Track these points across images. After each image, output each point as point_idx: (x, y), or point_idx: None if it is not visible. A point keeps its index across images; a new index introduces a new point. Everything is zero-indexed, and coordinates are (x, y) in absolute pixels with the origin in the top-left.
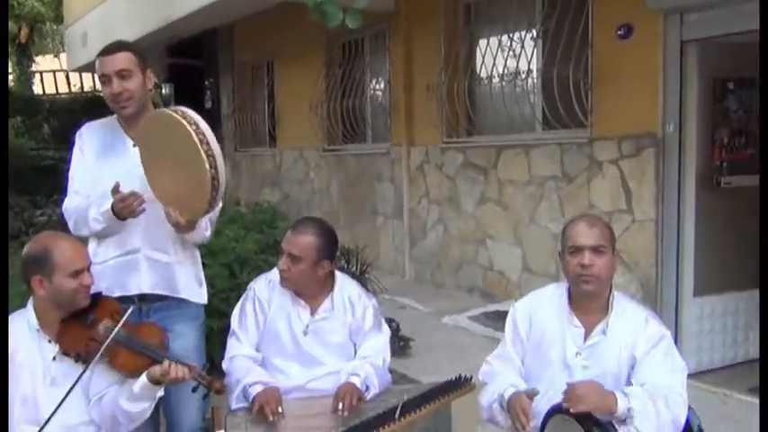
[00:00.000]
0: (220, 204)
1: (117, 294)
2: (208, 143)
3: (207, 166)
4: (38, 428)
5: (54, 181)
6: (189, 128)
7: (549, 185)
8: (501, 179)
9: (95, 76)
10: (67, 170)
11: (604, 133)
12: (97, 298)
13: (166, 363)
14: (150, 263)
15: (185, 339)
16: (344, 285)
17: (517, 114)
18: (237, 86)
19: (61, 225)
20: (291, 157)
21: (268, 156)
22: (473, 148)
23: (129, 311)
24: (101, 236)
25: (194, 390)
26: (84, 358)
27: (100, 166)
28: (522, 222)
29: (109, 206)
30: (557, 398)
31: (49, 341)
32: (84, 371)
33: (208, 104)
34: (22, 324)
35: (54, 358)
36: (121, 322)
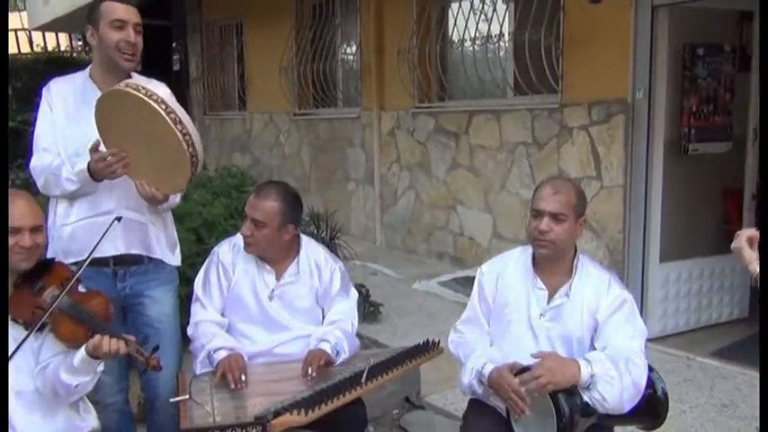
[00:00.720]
0: None
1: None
2: (181, 122)
3: (185, 146)
4: None
5: (17, 144)
6: (158, 108)
7: (519, 151)
8: (472, 145)
9: (58, 35)
10: (32, 131)
11: (575, 99)
12: (49, 264)
13: (98, 336)
14: (126, 223)
15: (163, 305)
16: (310, 249)
17: (489, 79)
18: (206, 48)
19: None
20: (262, 121)
21: (238, 120)
22: (444, 114)
23: (74, 279)
24: (72, 197)
25: (130, 366)
26: (30, 325)
27: (71, 123)
28: (492, 188)
29: (84, 166)
30: (521, 359)
31: None
32: (23, 339)
33: (176, 67)
34: None
35: None
36: (66, 290)
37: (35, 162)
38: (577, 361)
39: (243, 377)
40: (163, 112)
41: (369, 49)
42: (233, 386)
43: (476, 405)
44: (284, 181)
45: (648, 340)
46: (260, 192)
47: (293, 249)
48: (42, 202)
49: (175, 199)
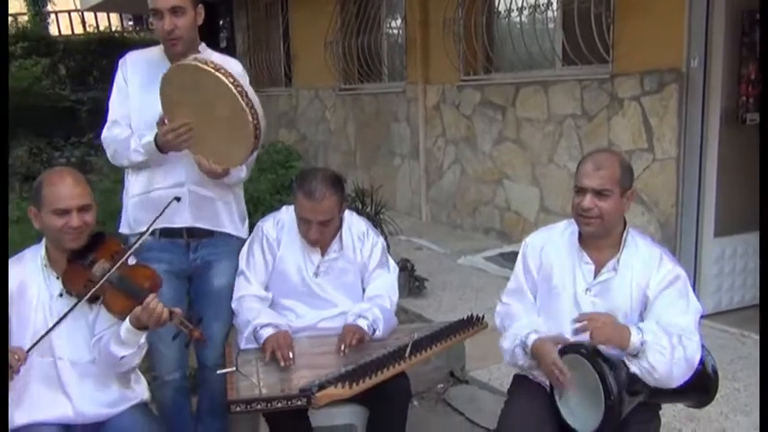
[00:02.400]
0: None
1: (162, 226)
2: (247, 94)
3: (249, 117)
4: (49, 359)
5: (72, 123)
6: (226, 81)
7: (568, 124)
8: (519, 117)
9: (110, 15)
10: (88, 109)
11: (626, 69)
12: (101, 239)
13: (139, 307)
14: (194, 197)
15: (226, 277)
16: (353, 223)
17: (536, 50)
18: (252, 25)
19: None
20: (307, 96)
21: (284, 96)
22: (491, 86)
23: (127, 255)
24: (140, 168)
25: (175, 337)
26: (82, 298)
27: (144, 95)
28: (540, 162)
29: (152, 138)
30: (565, 335)
31: (57, 277)
32: (68, 311)
33: (222, 44)
34: (35, 258)
35: (61, 294)
36: (117, 265)
37: (106, 133)
38: (629, 327)
39: (291, 354)
40: (230, 84)
41: (414, 22)
42: (283, 364)
43: (520, 381)
44: (321, 168)
45: (701, 317)
46: (312, 194)
47: (338, 228)
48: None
49: (241, 173)
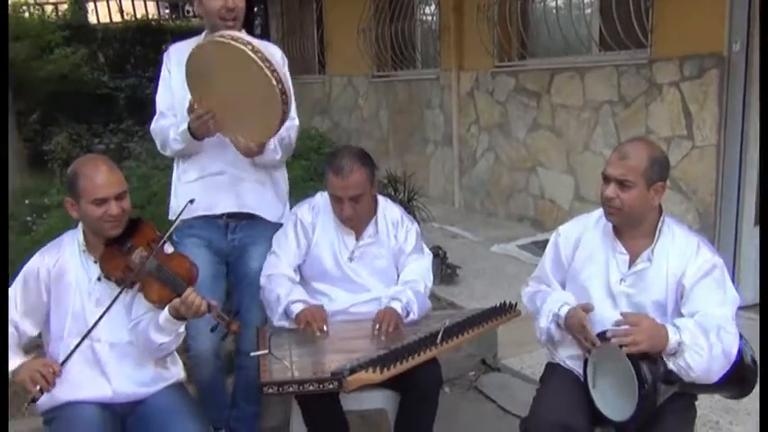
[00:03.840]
0: (295, 123)
1: (201, 213)
2: (268, 60)
3: (274, 82)
4: (87, 342)
5: (110, 110)
6: (245, 49)
7: (604, 110)
8: (554, 104)
9: (147, 3)
10: (126, 96)
11: (665, 54)
12: (137, 224)
13: (178, 299)
14: (236, 183)
15: (262, 260)
16: (387, 209)
17: (572, 36)
18: (286, 12)
19: (119, 153)
20: (340, 84)
21: (317, 83)
22: (525, 72)
23: (161, 243)
24: (184, 156)
25: (213, 329)
26: (121, 283)
27: (185, 86)
28: (575, 149)
29: (186, 126)
30: (599, 326)
31: (95, 261)
32: (114, 299)
33: (257, 31)
34: (73, 243)
35: (99, 279)
36: (153, 253)
37: (153, 125)
38: (666, 327)
39: (325, 327)
40: (249, 51)
41: (447, 8)
42: (318, 334)
43: (553, 368)
44: (347, 145)
45: (740, 308)
46: (340, 170)
47: (371, 210)
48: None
49: (276, 156)
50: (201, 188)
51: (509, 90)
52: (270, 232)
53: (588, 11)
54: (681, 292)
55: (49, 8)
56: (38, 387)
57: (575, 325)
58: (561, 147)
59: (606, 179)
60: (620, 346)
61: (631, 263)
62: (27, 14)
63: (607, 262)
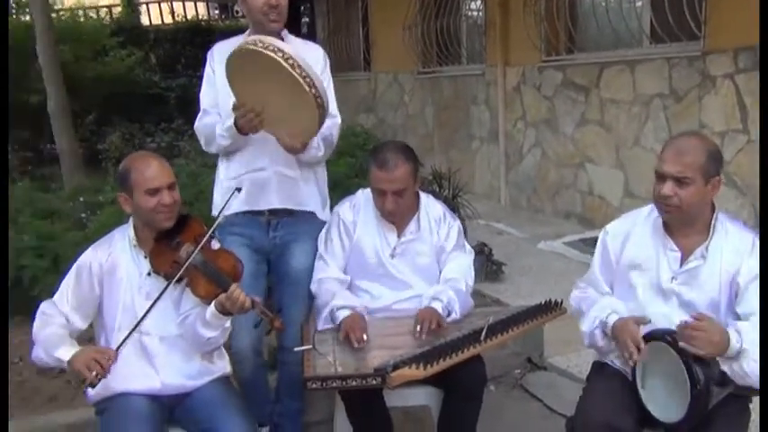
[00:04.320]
0: (337, 121)
1: (246, 209)
2: (299, 65)
3: (306, 88)
4: (136, 335)
5: (162, 110)
6: (276, 56)
7: (655, 104)
8: (603, 99)
9: (197, 4)
10: (176, 96)
11: (719, 45)
12: (186, 220)
13: (224, 295)
14: (279, 178)
15: (306, 258)
16: (429, 205)
17: (622, 28)
18: (332, 10)
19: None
20: (386, 81)
21: (363, 80)
22: (573, 67)
23: (205, 239)
24: (228, 153)
25: (256, 326)
26: (169, 278)
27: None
28: (625, 144)
29: (232, 122)
30: (648, 327)
31: (145, 257)
32: (161, 293)
33: (303, 29)
34: (124, 239)
35: (149, 273)
36: (199, 246)
37: (197, 123)
38: (728, 331)
39: (365, 337)
40: (280, 59)
41: (493, 3)
42: (356, 345)
43: (600, 367)
44: (391, 140)
45: None
46: (385, 164)
47: (414, 206)
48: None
49: (318, 152)
50: (244, 184)
51: (556, 85)
52: (311, 229)
53: (639, 3)
54: (735, 290)
55: (103, 11)
56: (94, 373)
57: (622, 336)
58: (610, 142)
59: (662, 177)
60: (673, 347)
61: (683, 260)
62: (83, 18)
63: (658, 259)
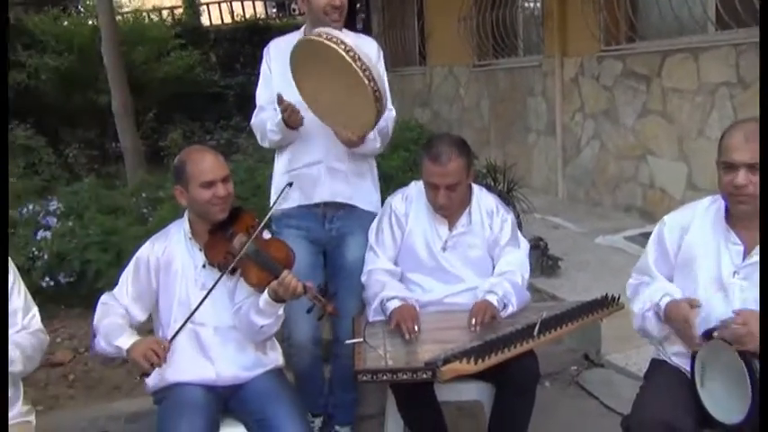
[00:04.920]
0: (392, 114)
1: (299, 203)
2: (360, 58)
3: (365, 81)
4: (190, 326)
5: (222, 107)
6: (338, 48)
7: (721, 93)
8: (665, 88)
9: (255, 3)
10: (235, 94)
11: None
12: (238, 213)
13: (276, 282)
14: (332, 173)
15: (360, 251)
16: (482, 198)
17: (686, 15)
18: (387, 5)
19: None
20: (441, 74)
21: (418, 75)
22: (634, 56)
23: (258, 229)
24: (283, 149)
25: (309, 311)
26: (223, 268)
27: (284, 79)
28: (688, 135)
29: (281, 117)
30: (707, 322)
31: (200, 249)
32: (215, 283)
33: (359, 25)
34: (179, 232)
35: (204, 266)
36: (252, 237)
37: (253, 119)
38: None
39: (416, 327)
40: (341, 51)
41: None
42: (407, 337)
43: (658, 365)
44: (445, 133)
45: None
46: (438, 158)
47: (466, 199)
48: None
49: (376, 144)
50: (299, 178)
51: (616, 75)
52: (366, 221)
53: None
54: None
55: (165, 12)
56: (150, 363)
57: (677, 319)
58: (673, 133)
59: (732, 166)
60: (730, 344)
61: (746, 254)
62: (147, 20)
63: (718, 253)
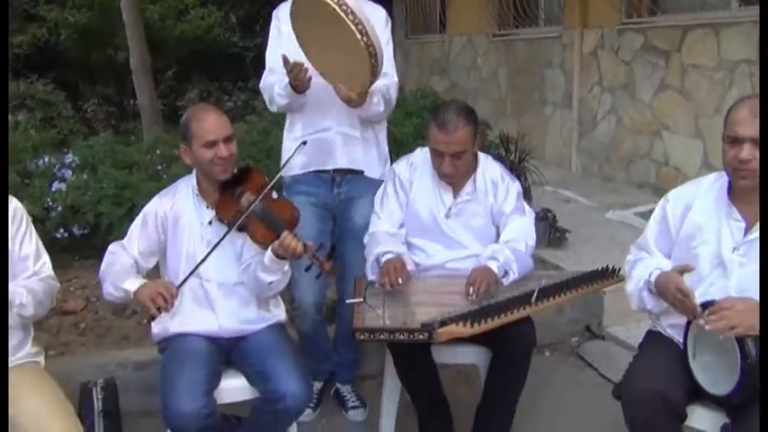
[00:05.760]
0: (394, 80)
1: (312, 169)
2: (353, 12)
3: (358, 35)
4: (197, 281)
5: (239, 68)
6: (331, 3)
7: (740, 70)
8: (684, 64)
9: None
10: (254, 56)
11: None
12: (248, 172)
13: (277, 241)
14: (344, 139)
15: (367, 215)
16: (487, 166)
17: None
18: None
19: (245, 110)
20: (460, 43)
21: (437, 43)
22: (655, 29)
23: (268, 188)
24: (293, 112)
25: (307, 269)
26: (231, 225)
27: (294, 42)
28: (705, 112)
29: (287, 81)
30: (708, 297)
31: (207, 207)
32: (221, 238)
33: None
34: (187, 188)
35: (210, 222)
36: (260, 196)
37: (262, 81)
38: None
39: (400, 280)
40: (333, 3)
41: None
42: (388, 288)
43: (653, 336)
44: (454, 100)
45: None
46: (445, 125)
47: (471, 167)
48: None
49: (379, 108)
50: (309, 144)
51: (636, 49)
52: (374, 187)
53: None
54: None
55: None
56: (157, 307)
57: (669, 290)
58: (689, 110)
59: (737, 141)
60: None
61: (747, 230)
62: None
63: (719, 229)
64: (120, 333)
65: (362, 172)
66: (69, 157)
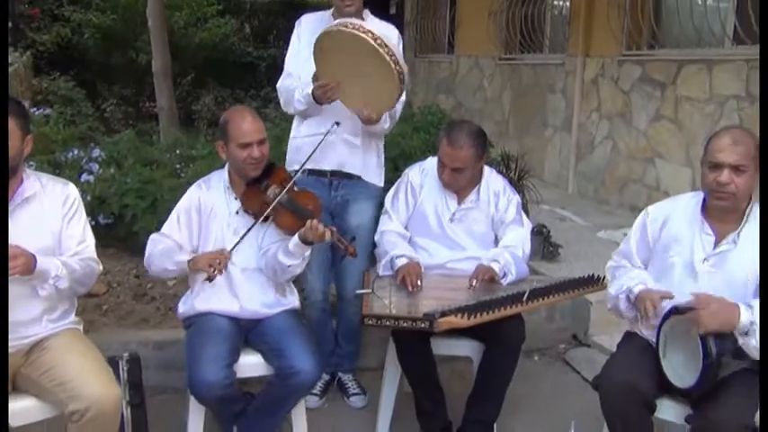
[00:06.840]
0: (403, 98)
1: (311, 167)
2: (386, 45)
3: (392, 65)
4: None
5: (252, 77)
6: (366, 36)
7: (730, 105)
8: (679, 96)
9: None
10: (266, 65)
11: None
12: (273, 168)
13: (310, 222)
14: (344, 144)
15: (362, 217)
16: (491, 179)
17: (705, 27)
18: None
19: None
20: (467, 64)
21: (445, 63)
22: (653, 62)
23: (293, 181)
24: (303, 115)
25: (332, 247)
26: (258, 216)
27: (311, 52)
28: (696, 142)
29: (310, 90)
30: (679, 300)
31: (236, 198)
32: (252, 225)
33: (392, 10)
34: (219, 181)
35: (237, 212)
36: (286, 188)
37: (280, 83)
38: (739, 306)
39: (419, 282)
40: (371, 40)
41: None
42: (410, 289)
43: (629, 336)
44: (469, 121)
45: None
46: (454, 142)
47: (476, 177)
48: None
49: (385, 125)
50: (312, 144)
51: (634, 79)
52: (369, 192)
53: (723, 4)
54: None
55: None
56: (214, 270)
57: (644, 302)
58: (682, 139)
59: (717, 166)
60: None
61: (716, 244)
62: None
63: (692, 241)
64: (140, 316)
65: (360, 177)
66: (96, 152)
